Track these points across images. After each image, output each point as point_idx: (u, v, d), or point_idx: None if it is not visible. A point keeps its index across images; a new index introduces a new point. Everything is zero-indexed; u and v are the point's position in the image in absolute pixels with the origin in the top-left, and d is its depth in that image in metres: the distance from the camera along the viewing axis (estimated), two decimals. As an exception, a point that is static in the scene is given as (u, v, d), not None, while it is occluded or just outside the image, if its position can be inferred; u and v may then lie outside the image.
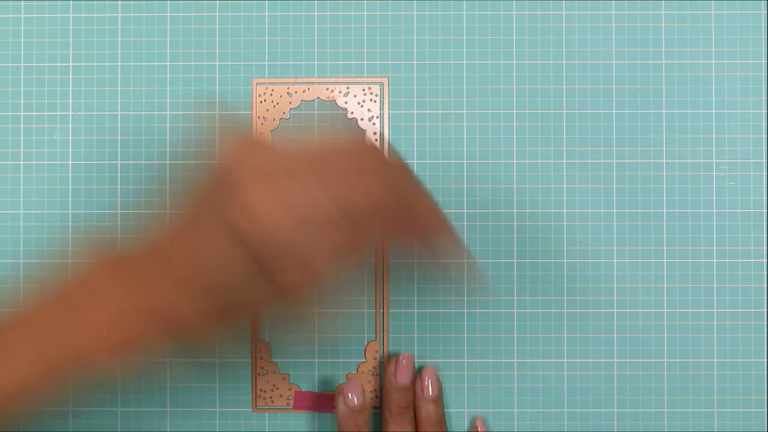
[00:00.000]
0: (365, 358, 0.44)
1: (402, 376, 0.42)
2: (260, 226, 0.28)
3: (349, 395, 0.41)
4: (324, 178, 0.29)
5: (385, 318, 0.44)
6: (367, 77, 0.44)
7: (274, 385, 0.44)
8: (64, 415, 0.44)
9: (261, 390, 0.44)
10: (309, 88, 0.44)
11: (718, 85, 0.44)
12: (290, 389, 0.44)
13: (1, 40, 0.45)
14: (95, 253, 0.33)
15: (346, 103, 0.44)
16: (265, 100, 0.44)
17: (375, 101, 0.44)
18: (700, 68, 0.44)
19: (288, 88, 0.44)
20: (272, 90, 0.44)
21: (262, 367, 0.44)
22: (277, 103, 0.44)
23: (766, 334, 0.44)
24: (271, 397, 0.44)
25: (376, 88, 0.44)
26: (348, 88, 0.44)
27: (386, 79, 0.44)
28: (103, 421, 0.44)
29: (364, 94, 0.44)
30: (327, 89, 0.44)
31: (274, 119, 0.44)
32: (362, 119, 0.44)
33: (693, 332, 0.44)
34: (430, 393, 0.42)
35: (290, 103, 0.44)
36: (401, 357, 0.42)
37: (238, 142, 0.30)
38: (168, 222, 0.32)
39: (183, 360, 0.44)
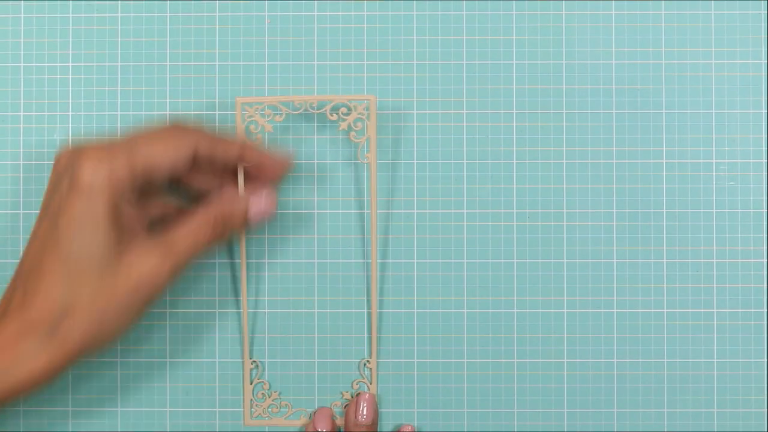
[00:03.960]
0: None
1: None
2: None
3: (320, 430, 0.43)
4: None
5: (373, 317, 0.44)
6: (354, 95, 0.44)
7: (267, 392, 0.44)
8: (64, 414, 0.44)
9: (257, 405, 0.44)
10: (298, 102, 0.42)
11: (718, 85, 0.44)
12: (285, 405, 0.44)
13: (1, 40, 0.45)
14: None
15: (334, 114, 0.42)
16: (252, 115, 0.42)
17: (362, 118, 0.42)
18: (700, 68, 0.44)
19: (278, 104, 0.43)
20: (257, 109, 0.42)
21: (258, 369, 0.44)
22: (267, 121, 0.42)
23: (766, 334, 0.44)
24: (264, 406, 0.44)
25: (362, 106, 0.42)
26: (332, 101, 0.42)
27: (374, 97, 0.42)
28: (103, 421, 0.44)
29: (355, 109, 0.42)
30: (312, 104, 0.42)
31: (258, 136, 0.43)
32: (353, 133, 0.42)
33: (693, 332, 0.44)
34: (364, 419, 0.43)
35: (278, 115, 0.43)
36: (364, 395, 0.43)
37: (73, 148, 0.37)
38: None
39: (182, 360, 0.44)
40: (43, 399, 0.44)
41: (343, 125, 0.42)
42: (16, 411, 0.44)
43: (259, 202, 0.41)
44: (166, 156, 0.37)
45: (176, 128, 0.38)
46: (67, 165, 0.37)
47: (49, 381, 0.37)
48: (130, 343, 0.44)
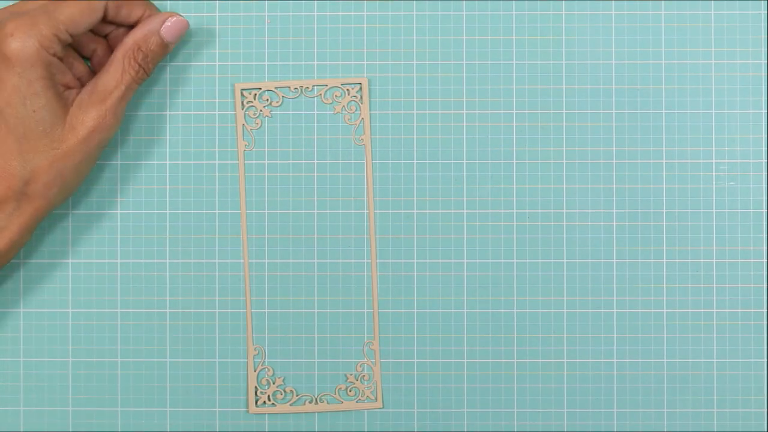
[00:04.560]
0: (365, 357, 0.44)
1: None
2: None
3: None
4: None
5: (375, 316, 0.44)
6: (344, 77, 0.44)
7: (271, 383, 0.44)
8: (64, 414, 0.44)
9: (261, 392, 0.44)
10: (294, 87, 0.44)
11: (718, 85, 0.44)
12: (289, 390, 0.44)
13: (1, 40, 0.45)
14: None
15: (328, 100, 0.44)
16: (251, 101, 0.44)
17: (356, 100, 0.44)
18: (700, 68, 0.44)
19: (275, 89, 0.44)
20: (255, 94, 0.44)
21: (262, 368, 0.44)
22: (265, 106, 0.44)
23: (766, 334, 0.44)
24: (269, 397, 0.44)
25: (355, 89, 0.44)
26: (326, 85, 0.44)
27: (365, 79, 0.44)
28: (103, 421, 0.44)
29: (347, 93, 0.44)
30: (308, 88, 0.44)
31: (257, 121, 0.44)
32: (349, 118, 0.44)
33: (693, 332, 0.44)
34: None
35: (277, 101, 0.44)
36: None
37: None
38: None
39: (183, 360, 0.44)
40: (43, 399, 0.44)
41: (338, 108, 0.44)
42: (16, 411, 0.44)
43: (168, 21, 0.41)
44: (84, 13, 0.39)
45: None
46: None
47: (24, 241, 0.40)
48: (130, 343, 0.44)
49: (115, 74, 0.40)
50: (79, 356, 0.44)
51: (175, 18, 0.41)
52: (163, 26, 0.41)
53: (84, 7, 0.39)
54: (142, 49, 0.41)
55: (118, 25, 0.42)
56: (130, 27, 0.42)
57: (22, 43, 0.38)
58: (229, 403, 0.44)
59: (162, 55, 0.42)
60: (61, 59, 0.40)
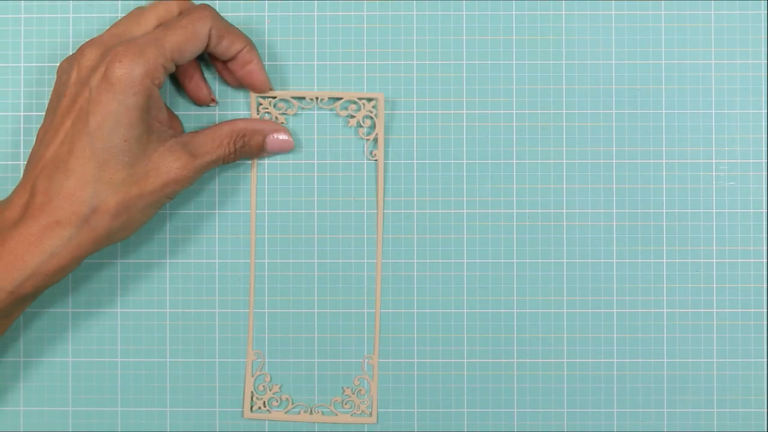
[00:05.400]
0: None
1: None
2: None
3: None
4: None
5: (376, 329, 0.44)
6: (366, 92, 0.44)
7: (267, 387, 0.44)
8: (64, 414, 0.44)
9: (257, 398, 0.44)
10: (310, 97, 0.44)
11: (718, 85, 0.44)
12: (285, 398, 0.44)
13: (1, 40, 0.45)
14: None
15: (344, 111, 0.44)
16: (266, 108, 0.44)
17: (371, 114, 0.44)
18: (700, 68, 0.44)
19: (291, 99, 0.44)
20: (270, 101, 0.44)
21: (260, 371, 0.44)
22: (280, 113, 0.44)
23: (766, 334, 0.44)
24: (264, 402, 0.44)
25: (371, 104, 0.44)
26: (342, 98, 0.44)
27: (381, 95, 0.43)
28: (103, 421, 0.44)
29: (363, 107, 0.44)
30: (323, 99, 0.44)
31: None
32: (362, 129, 0.44)
33: (693, 332, 0.44)
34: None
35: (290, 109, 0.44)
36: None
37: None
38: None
39: (183, 360, 0.44)
40: (43, 399, 0.44)
41: (352, 122, 0.43)
42: (16, 411, 0.44)
43: (278, 135, 0.43)
44: (190, 42, 0.39)
45: (192, 15, 0.39)
46: (96, 62, 0.38)
47: (71, 269, 0.38)
48: (130, 343, 0.44)
49: (212, 143, 0.41)
50: (79, 356, 0.44)
51: (285, 136, 0.43)
52: (273, 135, 0.43)
53: (190, 35, 0.39)
54: (245, 139, 0.42)
55: (217, 57, 0.42)
56: (226, 62, 0.42)
57: (129, 69, 0.37)
58: (229, 404, 0.44)
59: (254, 156, 0.43)
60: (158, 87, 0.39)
